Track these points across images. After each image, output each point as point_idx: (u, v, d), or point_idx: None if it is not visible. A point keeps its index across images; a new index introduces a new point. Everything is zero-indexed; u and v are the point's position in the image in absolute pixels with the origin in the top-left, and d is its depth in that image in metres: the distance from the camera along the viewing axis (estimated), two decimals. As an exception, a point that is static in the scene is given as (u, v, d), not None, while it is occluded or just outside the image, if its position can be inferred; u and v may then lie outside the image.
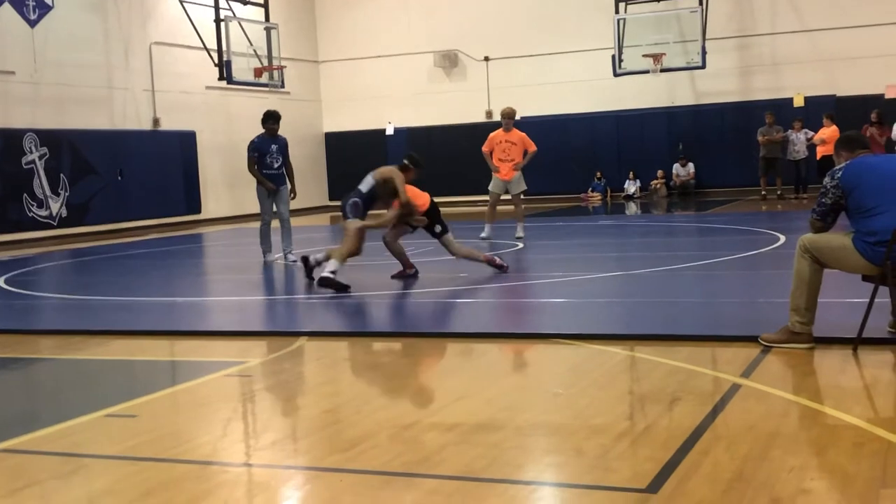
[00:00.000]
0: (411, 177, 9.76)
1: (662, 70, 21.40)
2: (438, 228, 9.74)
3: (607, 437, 4.21)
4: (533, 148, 13.58)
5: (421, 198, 9.66)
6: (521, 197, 13.79)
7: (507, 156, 13.50)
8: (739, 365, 5.40)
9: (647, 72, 21.41)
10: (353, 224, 9.40)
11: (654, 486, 3.53)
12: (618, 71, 21.56)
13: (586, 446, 4.07)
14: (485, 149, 13.76)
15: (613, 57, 21.44)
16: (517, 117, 14.14)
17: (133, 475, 3.98)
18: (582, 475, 3.74)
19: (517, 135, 13.59)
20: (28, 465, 4.20)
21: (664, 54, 21.34)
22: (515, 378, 5.69)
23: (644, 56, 21.31)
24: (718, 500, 3.38)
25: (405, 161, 9.83)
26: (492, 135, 13.78)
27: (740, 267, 9.78)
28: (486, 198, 14.05)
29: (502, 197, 13.87)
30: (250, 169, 12.13)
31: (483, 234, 13.33)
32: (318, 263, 9.67)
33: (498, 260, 9.85)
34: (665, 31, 21.66)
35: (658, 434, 4.23)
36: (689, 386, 5.08)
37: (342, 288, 8.89)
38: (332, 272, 8.98)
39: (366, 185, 9.65)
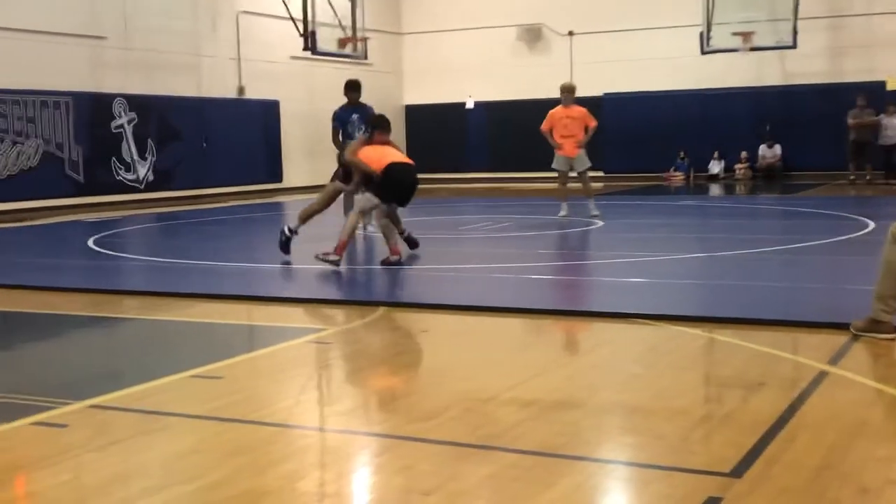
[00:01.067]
0: (378, 138, 9.34)
1: (752, 49, 20.93)
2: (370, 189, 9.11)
3: (688, 419, 4.16)
4: (594, 123, 13.37)
5: (377, 162, 9.00)
6: (588, 174, 13.62)
7: (568, 132, 13.27)
8: (825, 352, 5.28)
9: (735, 50, 20.95)
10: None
11: (738, 471, 3.48)
12: (705, 48, 21.14)
13: (667, 428, 4.03)
14: (544, 127, 13.47)
15: (701, 34, 21.03)
16: (576, 94, 13.78)
17: (218, 435, 4.06)
18: (663, 457, 3.70)
19: (578, 110, 13.35)
20: (115, 421, 4.31)
21: (754, 32, 20.85)
22: (594, 356, 5.65)
23: (733, 34, 20.85)
24: (804, 488, 3.31)
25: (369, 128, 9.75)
26: (552, 112, 13.53)
27: (826, 252, 9.56)
28: (547, 174, 13.85)
29: (570, 174, 13.62)
30: (334, 139, 12.30)
31: (562, 213, 13.19)
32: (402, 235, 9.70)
33: (392, 258, 8.93)
34: (756, 9, 21.12)
35: (741, 419, 4.16)
36: (772, 371, 4.99)
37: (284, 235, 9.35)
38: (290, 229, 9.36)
39: None
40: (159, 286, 8.14)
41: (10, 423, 4.20)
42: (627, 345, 5.87)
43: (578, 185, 13.66)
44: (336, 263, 8.77)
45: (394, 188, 9.05)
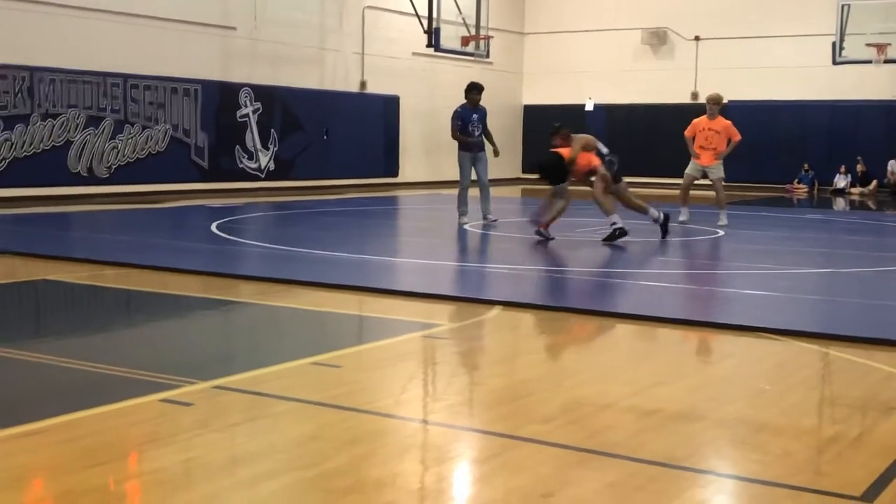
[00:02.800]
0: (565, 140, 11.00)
1: (886, 61, 20.18)
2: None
3: (817, 439, 4.02)
4: (738, 137, 13.11)
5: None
6: (722, 184, 13.36)
7: (709, 144, 13.06)
8: (962, 378, 5.03)
9: (869, 62, 20.24)
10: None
11: (870, 495, 3.34)
12: (837, 59, 20.49)
13: (795, 446, 3.89)
14: (687, 134, 13.36)
15: (834, 44, 20.39)
16: (724, 101, 13.66)
17: (338, 423, 4.10)
18: (791, 475, 3.57)
19: (722, 123, 13.10)
20: (238, 403, 4.39)
21: (889, 44, 20.10)
22: (717, 368, 5.51)
23: (867, 45, 20.15)
24: (943, 520, 3.16)
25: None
26: (696, 120, 13.35)
27: (962, 275, 9.13)
28: (677, 180, 13.77)
29: (696, 182, 13.54)
30: (454, 135, 12.61)
31: (681, 218, 12.99)
32: (656, 221, 10.99)
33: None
34: (892, 19, 20.37)
35: (873, 442, 4.00)
36: (906, 395, 4.78)
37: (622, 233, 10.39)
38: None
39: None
40: (277, 273, 8.28)
41: (139, 398, 4.32)
42: (753, 359, 5.71)
43: (705, 193, 13.45)
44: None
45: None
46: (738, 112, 23.05)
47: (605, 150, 11.09)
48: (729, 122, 13.22)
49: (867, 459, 3.73)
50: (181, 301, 7.32)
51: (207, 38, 18.61)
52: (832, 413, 4.58)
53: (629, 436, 3.99)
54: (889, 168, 21.88)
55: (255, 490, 3.29)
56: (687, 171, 13.45)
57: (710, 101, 13.27)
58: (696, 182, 13.51)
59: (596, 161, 10.84)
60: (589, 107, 25.67)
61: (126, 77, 17.28)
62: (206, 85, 18.59)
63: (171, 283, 7.94)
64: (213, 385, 4.60)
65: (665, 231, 10.97)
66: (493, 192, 13.57)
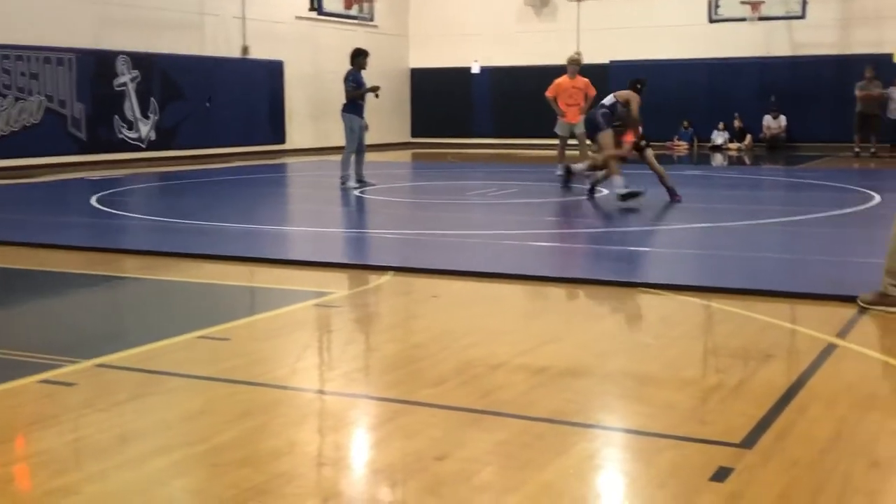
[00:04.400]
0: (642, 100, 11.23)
1: (760, 18, 20.79)
2: (643, 143, 11.08)
3: (699, 389, 4.15)
4: (594, 92, 14.21)
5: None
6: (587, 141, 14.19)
7: (573, 100, 14.23)
8: (833, 325, 5.26)
9: (743, 19, 20.80)
10: (606, 140, 10.90)
11: (749, 441, 3.47)
12: (713, 17, 21.00)
13: (677, 397, 4.02)
14: (549, 94, 14.37)
15: (710, 2, 20.87)
16: (583, 62, 15.03)
17: (228, 397, 4.05)
18: (674, 426, 3.69)
19: (582, 81, 14.31)
20: (122, 381, 4.29)
21: (763, 2, 20.70)
22: (603, 324, 5.64)
23: (742, 3, 20.70)
24: (816, 460, 3.31)
25: (637, 85, 11.27)
26: (557, 81, 14.44)
27: (832, 225, 9.51)
28: (547, 140, 14.86)
29: (569, 141, 14.65)
30: (354, 93, 12.88)
31: (558, 173, 13.54)
32: (582, 173, 11.43)
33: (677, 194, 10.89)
34: (766, -23, 20.99)
35: (751, 390, 4.15)
36: (781, 343, 4.98)
37: (636, 195, 10.40)
38: (624, 188, 10.42)
39: (608, 100, 11.21)
40: (162, 246, 8.10)
41: (18, 379, 4.19)
42: (636, 314, 5.86)
43: (577, 152, 14.42)
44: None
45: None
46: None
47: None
48: (587, 80, 14.36)
49: (746, 407, 3.88)
50: (61, 278, 7.11)
51: (81, 5, 17.94)
52: (713, 363, 4.73)
53: (519, 394, 4.06)
54: (764, 123, 22.59)
55: (143, 467, 3.24)
56: (558, 131, 14.58)
57: (571, 62, 14.52)
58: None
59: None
60: (475, 69, 25.73)
61: (-6, 47, 16.57)
62: (81, 54, 17.96)
63: (49, 260, 7.69)
64: (96, 364, 4.49)
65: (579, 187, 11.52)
66: (383, 157, 13.69)
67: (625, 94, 11.22)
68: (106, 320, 5.92)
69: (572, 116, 14.19)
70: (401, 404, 3.99)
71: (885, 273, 5.54)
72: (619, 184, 10.55)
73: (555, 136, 14.78)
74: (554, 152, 15.32)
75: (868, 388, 4.17)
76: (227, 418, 3.75)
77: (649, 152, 11.12)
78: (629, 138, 11.04)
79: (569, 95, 14.23)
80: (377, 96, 13.12)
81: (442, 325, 5.53)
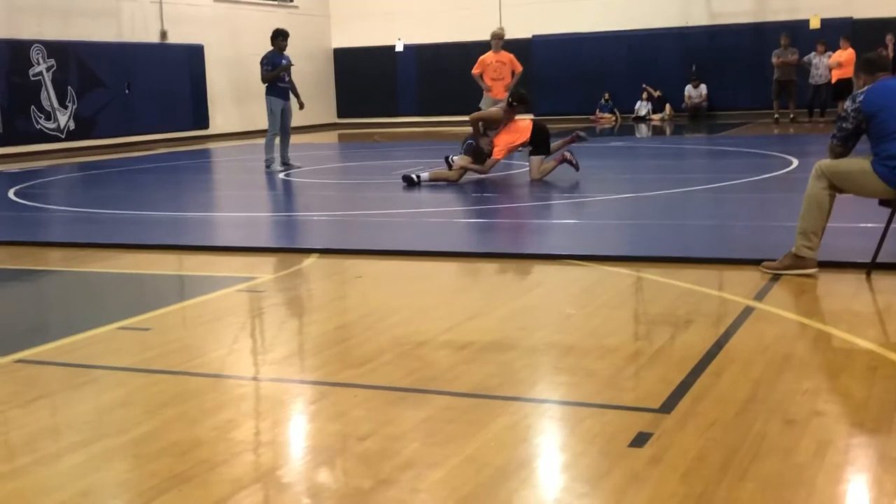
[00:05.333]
0: (518, 111, 11.06)
1: (678, -11, 20.99)
2: (530, 149, 10.81)
3: (620, 357, 4.22)
4: (520, 68, 14.09)
5: (521, 132, 10.81)
6: None
7: (498, 75, 13.99)
8: (751, 288, 5.38)
9: (661, -10, 21.01)
10: (460, 161, 10.83)
11: (668, 406, 3.54)
12: (633, -11, 21.17)
13: (599, 366, 4.08)
14: (475, 70, 14.16)
15: (629, -25, 21.04)
16: (507, 36, 14.60)
17: (147, 387, 4.01)
18: (595, 394, 3.74)
19: (506, 56, 14.07)
20: (42, 375, 4.22)
21: (680, -28, 20.92)
22: (527, 298, 5.69)
23: (659, -26, 20.90)
24: (732, 421, 3.38)
25: (509, 100, 11.13)
26: (482, 57, 14.20)
27: (751, 190, 9.70)
28: None
29: None
30: (266, 79, 12.67)
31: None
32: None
33: (568, 155, 10.75)
34: (682, -53, 21.20)
35: (670, 355, 4.23)
36: (700, 308, 5.07)
37: (411, 181, 10.50)
38: (418, 176, 10.58)
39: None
40: (83, 237, 7.96)
41: (-69, 380, 4.09)
42: (560, 286, 5.92)
43: None
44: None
45: (544, 141, 10.86)
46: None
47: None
48: (512, 55, 14.13)
49: (665, 373, 3.96)
50: (-22, 274, 6.94)
51: (-11, -8, 17.45)
52: (633, 331, 4.81)
53: (444, 370, 4.09)
54: (686, 93, 22.87)
55: (61, 462, 3.19)
56: (482, 106, 14.15)
57: (494, 36, 14.22)
58: None
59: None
60: (399, 48, 25.61)
61: None
62: (-7, 43, 17.48)
63: (-35, 256, 7.50)
64: (14, 359, 4.40)
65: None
66: (309, 138, 13.59)
67: (478, 114, 11.31)
68: (26, 314, 5.79)
69: (497, 92, 13.85)
70: (326, 386, 3.99)
71: (798, 234, 5.66)
72: (426, 178, 10.69)
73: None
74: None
75: (783, 350, 4.27)
76: (148, 408, 3.72)
77: (532, 159, 10.80)
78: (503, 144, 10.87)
79: (493, 70, 14.01)
80: (287, 76, 12.97)
81: (367, 305, 5.52)
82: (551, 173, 10.77)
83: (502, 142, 10.90)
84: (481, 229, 8.21)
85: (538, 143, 10.80)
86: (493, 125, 11.03)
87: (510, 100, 11.13)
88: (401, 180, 10.72)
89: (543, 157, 10.84)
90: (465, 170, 10.76)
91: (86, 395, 3.95)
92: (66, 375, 4.19)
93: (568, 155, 10.80)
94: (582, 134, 11.63)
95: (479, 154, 10.85)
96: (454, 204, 9.50)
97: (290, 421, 3.69)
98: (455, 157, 10.87)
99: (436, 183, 10.70)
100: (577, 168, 10.75)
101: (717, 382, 3.80)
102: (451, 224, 8.39)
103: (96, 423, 3.60)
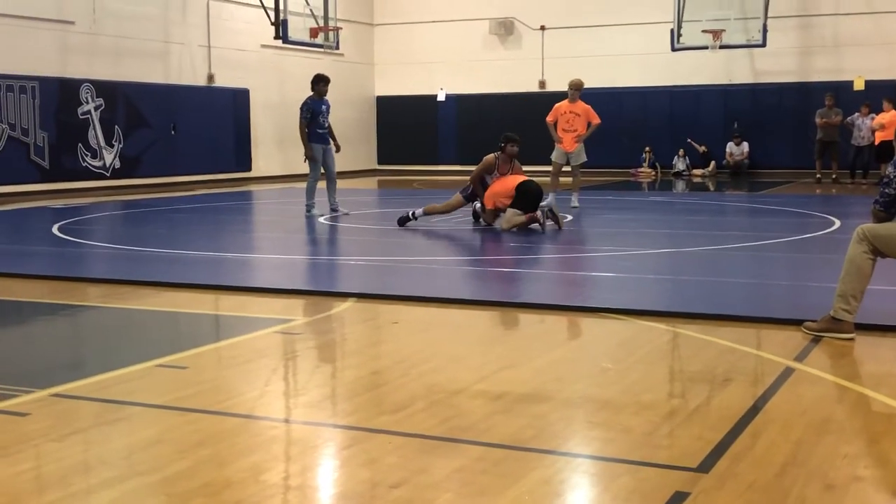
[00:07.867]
0: (510, 152, 11.17)
1: (721, 46, 21.04)
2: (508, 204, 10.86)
3: (656, 414, 4.16)
4: (597, 120, 13.77)
5: (507, 192, 10.89)
6: (581, 169, 14.14)
7: (570, 126, 13.70)
8: (791, 349, 5.31)
9: (705, 48, 21.06)
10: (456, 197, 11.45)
11: (705, 465, 3.48)
12: (676, 45, 21.23)
13: (635, 422, 4.03)
14: (549, 119, 13.91)
15: (672, 31, 21.12)
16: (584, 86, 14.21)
17: (183, 425, 4.01)
18: (631, 451, 3.69)
19: (582, 106, 13.74)
20: (78, 410, 4.25)
21: (724, 31, 20.96)
22: (564, 350, 5.65)
23: (703, 31, 20.96)
24: (771, 483, 3.32)
25: (500, 143, 11.27)
26: (557, 105, 13.92)
27: (792, 250, 9.62)
28: (539, 167, 14.27)
29: (563, 168, 14.23)
30: (302, 129, 12.69)
31: (545, 203, 13.39)
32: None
33: (538, 215, 10.67)
34: (726, 7, 21.26)
35: (709, 414, 4.18)
36: (739, 367, 5.01)
37: (402, 221, 11.04)
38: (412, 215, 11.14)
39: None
40: (124, 274, 8.03)
41: (-31, 411, 4.12)
42: (597, 339, 5.88)
43: (567, 179, 14.31)
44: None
45: (529, 200, 10.82)
46: (585, 100, 23.60)
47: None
48: (589, 107, 13.83)
49: (703, 431, 3.90)
50: (20, 307, 7.02)
51: (44, 32, 17.84)
52: (671, 388, 4.76)
53: (477, 420, 4.05)
54: (728, 150, 22.83)
55: (90, 500, 3.20)
56: (553, 158, 14.04)
57: (572, 86, 13.86)
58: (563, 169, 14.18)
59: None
60: (441, 97, 25.84)
61: (-44, 74, 16.43)
62: (44, 81, 17.84)
63: (9, 289, 7.60)
64: (51, 393, 4.43)
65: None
66: (350, 184, 13.65)
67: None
68: (64, 349, 5.85)
69: (568, 143, 13.67)
70: (359, 431, 3.97)
71: (837, 296, 5.59)
72: (419, 213, 11.26)
73: (550, 161, 14.14)
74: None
75: (823, 412, 4.20)
76: (183, 447, 3.72)
77: (503, 215, 10.83)
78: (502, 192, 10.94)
79: (566, 121, 13.66)
80: (325, 121, 12.94)
81: (402, 351, 5.51)
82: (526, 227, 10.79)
83: (491, 194, 11.04)
84: (519, 279, 8.19)
85: (523, 204, 10.79)
86: (490, 171, 11.22)
87: (500, 142, 11.26)
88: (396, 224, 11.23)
89: (520, 211, 10.79)
90: (456, 208, 11.45)
91: (120, 431, 3.96)
92: (101, 411, 4.21)
93: (538, 214, 10.68)
94: (542, 220, 10.77)
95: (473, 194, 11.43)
96: (492, 253, 9.50)
97: (321, 466, 3.67)
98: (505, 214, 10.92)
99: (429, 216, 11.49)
100: (542, 230, 10.64)
101: (756, 443, 3.74)
102: (489, 273, 8.38)
103: (131, 459, 3.60)
